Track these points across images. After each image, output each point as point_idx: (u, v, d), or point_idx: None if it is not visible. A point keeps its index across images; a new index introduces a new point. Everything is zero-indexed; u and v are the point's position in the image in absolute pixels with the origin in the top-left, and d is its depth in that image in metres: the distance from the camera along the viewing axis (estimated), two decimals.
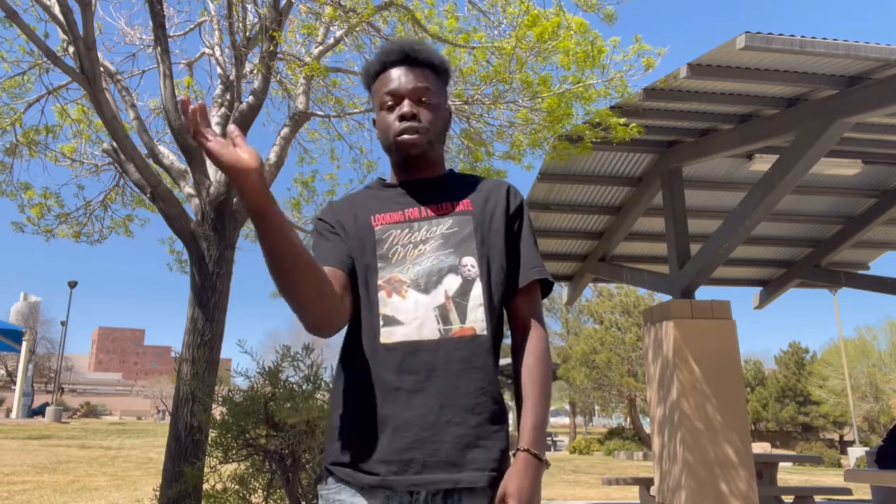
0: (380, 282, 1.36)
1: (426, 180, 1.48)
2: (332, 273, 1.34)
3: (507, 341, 1.52)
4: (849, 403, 27.03)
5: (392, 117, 1.43)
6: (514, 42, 4.86)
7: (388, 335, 1.33)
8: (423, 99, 1.43)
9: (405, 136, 1.41)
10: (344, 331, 1.41)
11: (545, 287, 1.47)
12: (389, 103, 1.44)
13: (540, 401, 1.35)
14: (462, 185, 1.49)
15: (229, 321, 5.06)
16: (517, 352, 1.42)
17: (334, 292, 1.28)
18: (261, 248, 1.17)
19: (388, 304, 1.34)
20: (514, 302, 1.44)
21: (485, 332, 1.34)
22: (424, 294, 1.34)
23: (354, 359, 1.36)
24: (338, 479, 1.32)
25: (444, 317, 1.33)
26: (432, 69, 1.48)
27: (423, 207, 1.43)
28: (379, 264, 1.38)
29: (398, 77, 1.44)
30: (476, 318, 1.34)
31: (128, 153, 4.69)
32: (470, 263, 1.37)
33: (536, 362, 1.39)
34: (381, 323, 1.33)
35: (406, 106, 1.41)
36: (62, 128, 6.94)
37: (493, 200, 1.46)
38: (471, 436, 1.28)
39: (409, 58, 1.45)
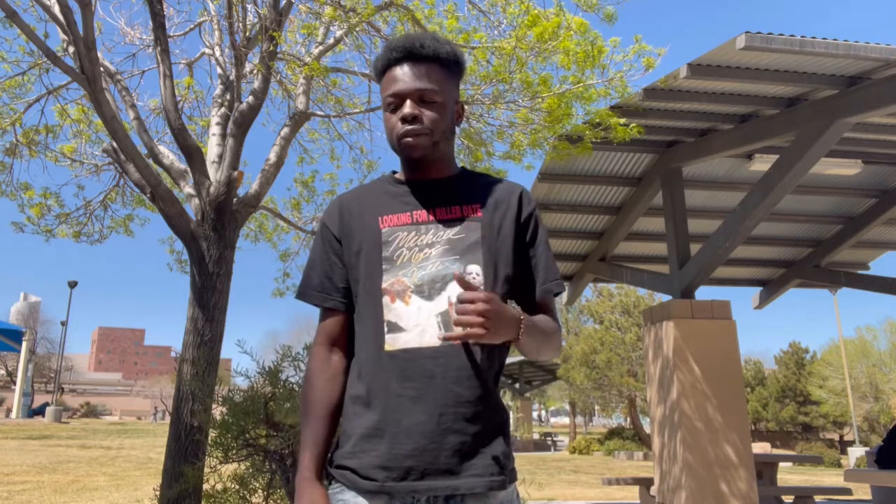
0: (384, 285, 1.36)
1: (437, 181, 1.46)
2: (331, 313, 1.47)
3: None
4: (849, 403, 27.03)
5: (395, 119, 1.41)
6: (514, 42, 4.85)
7: (391, 342, 1.33)
8: (426, 99, 1.40)
9: (407, 140, 1.39)
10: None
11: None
12: (393, 104, 1.41)
13: (544, 324, 1.39)
14: (474, 187, 1.47)
15: (229, 321, 5.06)
16: None
17: (340, 395, 1.44)
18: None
19: (392, 309, 1.35)
20: (534, 310, 1.44)
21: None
22: (427, 300, 1.34)
23: (362, 365, 1.37)
24: (339, 482, 1.34)
25: (445, 323, 1.32)
26: (440, 63, 1.42)
27: (431, 210, 1.42)
28: (384, 266, 1.37)
29: (401, 77, 1.40)
30: None
31: (128, 153, 4.68)
32: (475, 271, 1.36)
33: (546, 320, 1.42)
34: (386, 329, 1.34)
35: (407, 107, 1.38)
36: (62, 128, 6.94)
37: (504, 206, 1.45)
38: (469, 443, 1.29)
39: (412, 54, 1.41)
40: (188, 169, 5.09)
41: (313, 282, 1.48)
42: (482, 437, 1.30)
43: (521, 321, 1.27)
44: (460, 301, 1.20)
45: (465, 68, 1.54)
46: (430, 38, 1.43)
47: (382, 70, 1.45)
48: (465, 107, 1.58)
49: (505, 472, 1.32)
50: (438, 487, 1.26)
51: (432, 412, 1.28)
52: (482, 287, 1.35)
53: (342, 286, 1.46)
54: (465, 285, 1.23)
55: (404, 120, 1.39)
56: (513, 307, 1.31)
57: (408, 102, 1.39)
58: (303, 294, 1.49)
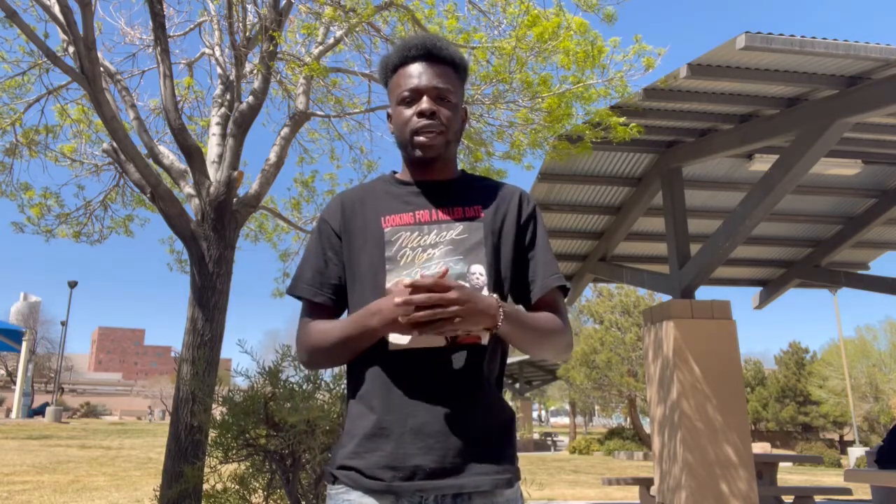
0: (388, 285, 1.35)
1: (439, 182, 1.46)
2: (318, 309, 1.45)
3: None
4: (849, 403, 27.02)
5: (410, 113, 1.40)
6: (514, 42, 4.85)
7: (395, 341, 1.33)
8: (443, 97, 1.41)
9: (422, 137, 1.39)
10: None
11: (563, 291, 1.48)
12: (408, 98, 1.41)
13: (533, 317, 1.37)
14: (475, 189, 1.47)
15: (229, 321, 5.07)
16: None
17: None
18: (350, 345, 1.34)
19: None
20: (537, 309, 1.43)
21: (489, 341, 1.34)
22: None
23: (365, 364, 1.36)
24: (343, 482, 1.33)
25: None
26: (453, 67, 1.45)
27: (434, 210, 1.41)
28: (387, 266, 1.37)
29: (419, 73, 1.41)
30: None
31: (128, 153, 4.68)
32: (478, 272, 1.36)
33: (549, 318, 1.40)
34: None
35: (425, 103, 1.39)
36: (62, 128, 6.94)
37: (505, 208, 1.45)
38: (475, 442, 1.29)
39: (431, 54, 1.42)
40: (188, 169, 5.09)
41: (306, 276, 1.47)
42: (487, 435, 1.31)
43: (500, 306, 1.25)
44: (428, 289, 1.17)
45: (468, 76, 1.56)
46: (445, 42, 1.45)
47: (396, 66, 1.45)
48: (465, 106, 1.56)
49: (511, 471, 1.32)
50: (445, 486, 1.26)
51: (437, 412, 1.28)
52: (485, 288, 1.35)
53: (334, 283, 1.45)
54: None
55: (422, 114, 1.39)
56: (492, 296, 1.28)
57: (425, 98, 1.39)
58: (294, 288, 1.48)
